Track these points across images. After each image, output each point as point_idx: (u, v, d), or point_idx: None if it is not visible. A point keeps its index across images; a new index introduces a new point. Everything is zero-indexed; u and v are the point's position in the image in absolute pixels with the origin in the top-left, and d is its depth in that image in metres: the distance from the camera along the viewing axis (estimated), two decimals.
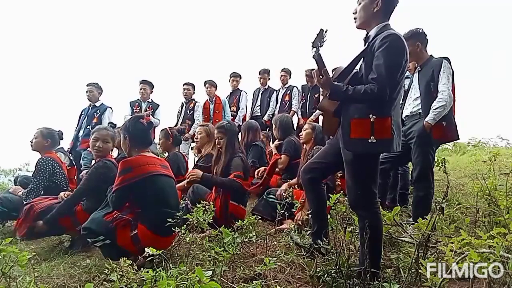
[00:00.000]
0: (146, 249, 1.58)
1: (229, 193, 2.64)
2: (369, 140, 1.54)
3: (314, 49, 1.64)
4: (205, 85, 5.25)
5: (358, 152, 1.61)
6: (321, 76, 1.64)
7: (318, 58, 1.64)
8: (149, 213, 1.97)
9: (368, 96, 1.53)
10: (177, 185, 2.49)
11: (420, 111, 2.59)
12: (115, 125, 2.75)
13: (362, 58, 1.70)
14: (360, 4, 1.70)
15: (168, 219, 1.90)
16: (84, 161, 4.17)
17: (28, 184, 2.91)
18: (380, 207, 1.76)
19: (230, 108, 5.27)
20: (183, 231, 1.90)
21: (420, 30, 2.62)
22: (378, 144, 1.56)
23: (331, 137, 1.99)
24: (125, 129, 2.11)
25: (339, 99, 1.68)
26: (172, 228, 1.92)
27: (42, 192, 2.82)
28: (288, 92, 5.15)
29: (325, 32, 1.63)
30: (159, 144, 3.61)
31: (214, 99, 5.21)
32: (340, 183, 2.89)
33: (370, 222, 1.59)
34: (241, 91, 5.42)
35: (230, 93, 5.46)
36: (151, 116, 4.26)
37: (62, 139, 3.26)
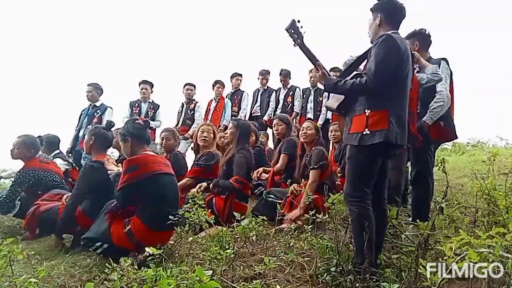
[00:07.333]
0: (146, 248, 1.59)
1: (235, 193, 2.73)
2: (364, 133, 1.65)
3: (289, 36, 1.72)
4: (215, 84, 5.25)
5: (355, 144, 1.69)
6: (317, 70, 1.78)
7: (302, 48, 1.72)
8: (146, 209, 2.01)
9: (357, 86, 1.65)
10: (178, 184, 2.51)
11: (418, 111, 2.58)
12: (113, 123, 2.72)
13: (366, 60, 1.80)
14: (369, 23, 1.90)
15: (164, 216, 1.95)
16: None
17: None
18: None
19: (231, 108, 5.26)
20: (184, 231, 1.91)
21: (423, 31, 2.61)
22: (372, 135, 1.63)
23: None
24: (126, 131, 2.17)
25: (332, 90, 1.83)
26: (174, 227, 1.94)
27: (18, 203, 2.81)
28: (291, 93, 5.13)
29: (298, 22, 1.69)
30: (160, 145, 3.60)
31: (218, 98, 5.23)
32: (339, 182, 2.89)
33: (361, 218, 1.64)
34: (243, 91, 5.41)
35: (232, 93, 5.43)
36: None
37: (42, 145, 3.21)
